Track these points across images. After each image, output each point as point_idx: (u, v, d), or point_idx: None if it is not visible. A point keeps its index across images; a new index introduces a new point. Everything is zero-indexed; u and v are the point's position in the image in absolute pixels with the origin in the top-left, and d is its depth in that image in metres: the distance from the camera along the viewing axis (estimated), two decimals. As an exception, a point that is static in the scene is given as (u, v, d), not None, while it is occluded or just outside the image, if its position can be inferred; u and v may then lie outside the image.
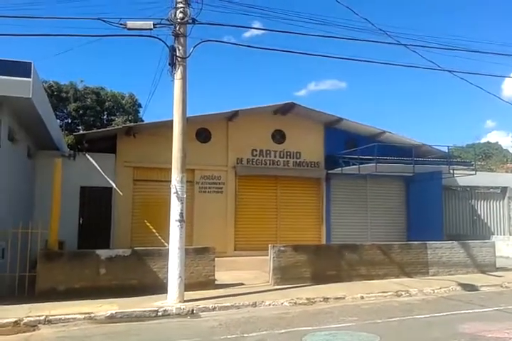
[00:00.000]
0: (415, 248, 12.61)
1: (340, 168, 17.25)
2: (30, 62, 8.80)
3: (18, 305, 8.31)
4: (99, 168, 14.90)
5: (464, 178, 18.58)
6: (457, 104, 73.46)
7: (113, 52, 55.87)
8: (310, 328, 7.29)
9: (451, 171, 17.38)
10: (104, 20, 8.29)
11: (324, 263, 11.48)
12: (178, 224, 9.01)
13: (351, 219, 18.45)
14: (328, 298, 9.60)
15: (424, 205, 18.62)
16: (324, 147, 18.44)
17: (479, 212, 20.87)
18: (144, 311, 8.29)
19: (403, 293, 10.32)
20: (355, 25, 11.16)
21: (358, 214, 18.60)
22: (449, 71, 12.45)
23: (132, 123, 20.40)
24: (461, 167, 18.45)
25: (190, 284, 9.49)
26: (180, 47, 9.25)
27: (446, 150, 18.16)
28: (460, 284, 11.19)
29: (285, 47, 11.12)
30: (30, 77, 8.66)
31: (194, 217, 16.20)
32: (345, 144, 18.30)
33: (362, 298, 9.85)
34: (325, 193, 18.30)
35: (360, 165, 16.25)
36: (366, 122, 18.05)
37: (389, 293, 10.21)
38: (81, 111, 29.82)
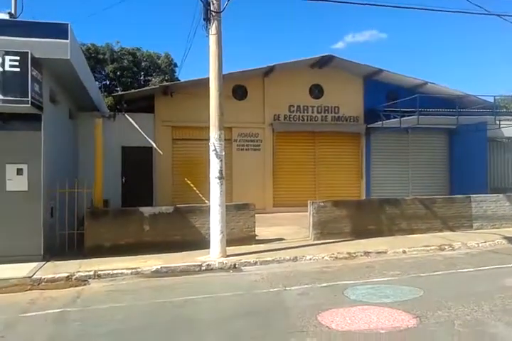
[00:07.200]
0: (459, 201, 12.33)
1: (380, 122, 16.81)
2: (67, 24, 8.73)
3: (68, 261, 8.68)
4: (138, 128, 15.07)
5: (510, 129, 17.80)
6: (507, 51, 69.52)
7: (147, 12, 55.20)
8: (351, 282, 7.32)
9: (497, 122, 16.66)
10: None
11: (364, 217, 11.40)
12: (218, 181, 9.06)
13: (392, 174, 18.17)
14: (369, 253, 9.58)
15: (468, 158, 18.08)
16: (364, 100, 17.95)
17: (527, 165, 20.10)
18: (188, 266, 8.52)
19: (446, 246, 10.18)
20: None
21: (399, 169, 18.28)
22: (498, 15, 11.67)
23: (169, 83, 20.36)
24: (508, 117, 17.66)
25: (231, 239, 9.65)
26: (214, 1, 8.97)
27: (492, 101, 17.34)
28: (506, 237, 10.93)
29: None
30: (67, 39, 8.63)
31: (233, 175, 16.33)
32: (385, 97, 17.76)
33: (404, 252, 9.77)
34: (364, 148, 17.99)
35: (402, 118, 15.79)
36: (409, 74, 17.39)
37: (432, 247, 10.08)
38: (118, 73, 29.93)
